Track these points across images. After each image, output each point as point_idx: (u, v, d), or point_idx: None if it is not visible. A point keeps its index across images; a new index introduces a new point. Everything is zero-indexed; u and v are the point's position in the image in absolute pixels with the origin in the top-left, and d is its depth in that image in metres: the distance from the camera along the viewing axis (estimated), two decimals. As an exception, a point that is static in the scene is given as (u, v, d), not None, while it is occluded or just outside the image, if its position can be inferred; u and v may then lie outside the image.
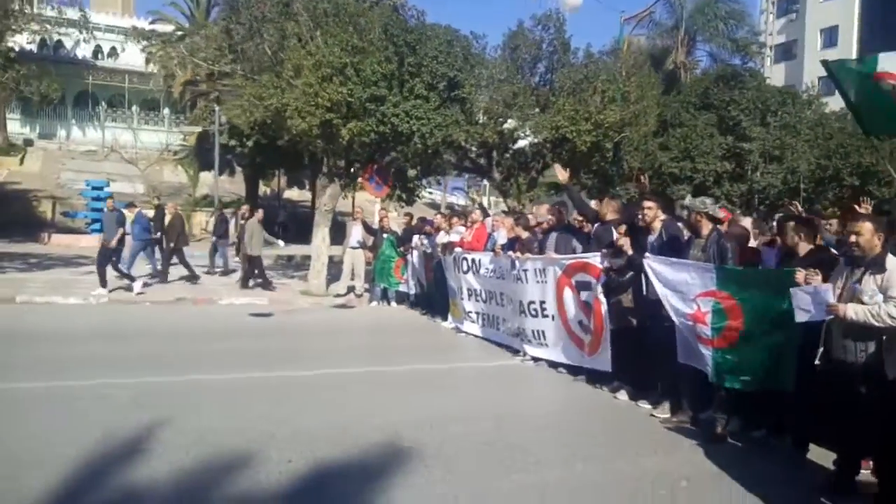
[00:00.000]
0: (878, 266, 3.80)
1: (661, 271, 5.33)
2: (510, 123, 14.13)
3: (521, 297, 7.82)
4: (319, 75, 10.97)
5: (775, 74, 37.76)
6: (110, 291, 11.44)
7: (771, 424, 5.05)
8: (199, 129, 26.83)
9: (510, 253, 8.12)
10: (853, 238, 3.96)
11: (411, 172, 15.31)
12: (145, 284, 12.24)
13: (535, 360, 7.61)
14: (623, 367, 6.22)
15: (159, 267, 14.00)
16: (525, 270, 7.73)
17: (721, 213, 5.28)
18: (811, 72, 37.19)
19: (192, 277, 13.72)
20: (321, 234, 13.04)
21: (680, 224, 6.04)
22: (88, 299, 11.05)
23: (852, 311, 3.74)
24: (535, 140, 14.34)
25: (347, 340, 9.48)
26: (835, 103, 22.98)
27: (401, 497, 3.80)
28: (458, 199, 44.17)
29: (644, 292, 5.80)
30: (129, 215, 12.63)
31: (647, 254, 5.57)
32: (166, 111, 42.18)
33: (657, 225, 5.80)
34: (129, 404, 5.36)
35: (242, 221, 15.37)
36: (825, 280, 4.05)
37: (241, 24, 12.56)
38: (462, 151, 14.76)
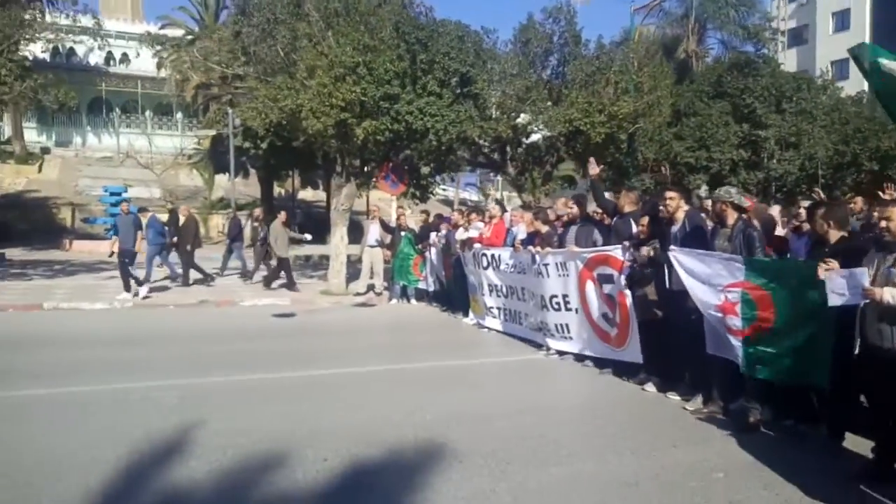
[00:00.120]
0: (910, 250, 3.78)
1: (687, 263, 5.31)
2: (523, 118, 14.10)
3: (543, 291, 7.82)
4: (333, 75, 11.02)
5: (787, 60, 37.33)
6: (135, 295, 11.61)
7: (802, 413, 5.02)
8: (212, 132, 27.03)
9: (530, 248, 8.13)
10: (883, 224, 3.96)
11: (424, 170, 15.34)
12: (164, 288, 12.42)
13: (561, 353, 7.62)
14: (649, 358, 6.22)
15: (179, 270, 14.17)
16: (546, 265, 7.73)
17: (747, 202, 5.25)
18: (823, 56, 36.76)
19: (205, 279, 13.84)
20: (339, 233, 13.11)
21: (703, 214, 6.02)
22: (114, 304, 11.21)
23: (889, 294, 3.72)
24: (549, 134, 14.30)
25: (371, 339, 9.55)
26: (850, 88, 22.75)
27: (439, 491, 3.83)
28: (471, 195, 44.16)
29: (667, 285, 5.79)
30: (143, 220, 12.81)
31: (671, 246, 5.55)
32: (179, 115, 42.50)
33: (680, 215, 5.78)
34: (169, 406, 5.45)
35: (255, 224, 15.50)
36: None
37: (252, 26, 12.63)
38: (476, 147, 14.76)
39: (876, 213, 4.92)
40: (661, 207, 5.95)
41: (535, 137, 15.13)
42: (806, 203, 5.44)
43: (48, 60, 31.91)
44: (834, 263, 4.04)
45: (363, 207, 22.71)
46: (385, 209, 18.80)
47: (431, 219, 12.78)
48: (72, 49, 39.57)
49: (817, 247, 4.75)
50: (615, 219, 7.05)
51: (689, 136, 17.50)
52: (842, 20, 40.08)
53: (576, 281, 7.24)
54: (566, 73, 14.27)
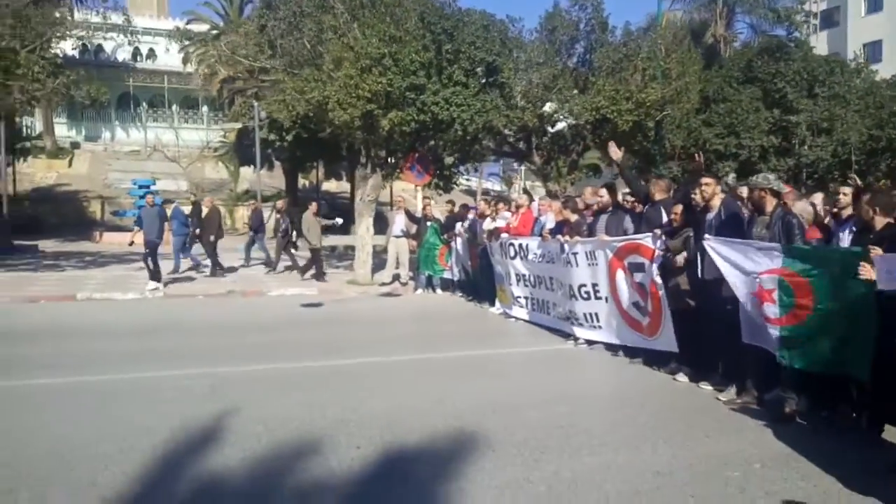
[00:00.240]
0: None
1: (723, 251, 5.22)
2: (549, 106, 13.99)
3: (572, 280, 7.76)
4: (359, 67, 11.03)
5: (818, 43, 36.38)
6: (165, 285, 11.81)
7: (838, 404, 4.92)
8: (238, 125, 27.28)
9: (559, 237, 8.07)
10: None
11: (448, 160, 15.32)
12: (190, 279, 12.67)
13: (590, 343, 7.57)
14: (681, 348, 6.15)
15: (204, 261, 14.38)
16: (575, 254, 7.67)
17: (786, 189, 5.13)
18: (855, 39, 35.75)
19: (215, 270, 14.00)
20: (365, 223, 13.16)
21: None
22: (145, 294, 11.41)
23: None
24: (575, 122, 14.18)
25: (397, 328, 9.59)
26: (885, 71, 22.11)
27: (473, 480, 3.83)
28: (494, 185, 44.02)
29: (700, 274, 5.71)
30: (168, 211, 13.06)
31: (706, 235, 5.46)
32: (205, 109, 43.00)
33: (716, 202, 5.68)
34: (201, 394, 5.53)
35: (278, 216, 15.68)
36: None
37: (279, 19, 12.70)
38: (501, 136, 14.69)
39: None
40: (693, 195, 5.85)
41: (560, 126, 15.02)
42: (845, 189, 5.27)
43: (77, 57, 32.48)
44: (879, 251, 3.93)
45: (386, 198, 22.80)
46: (409, 199, 18.83)
47: (457, 209, 12.76)
48: (100, 46, 40.25)
49: (863, 233, 4.62)
50: (646, 207, 6.96)
51: (719, 122, 17.22)
52: (875, 1, 38.90)
53: (605, 270, 7.17)
54: (593, 61, 14.13)
